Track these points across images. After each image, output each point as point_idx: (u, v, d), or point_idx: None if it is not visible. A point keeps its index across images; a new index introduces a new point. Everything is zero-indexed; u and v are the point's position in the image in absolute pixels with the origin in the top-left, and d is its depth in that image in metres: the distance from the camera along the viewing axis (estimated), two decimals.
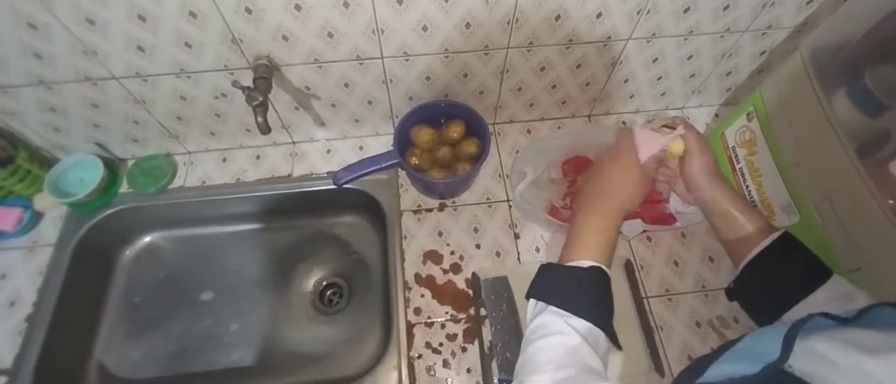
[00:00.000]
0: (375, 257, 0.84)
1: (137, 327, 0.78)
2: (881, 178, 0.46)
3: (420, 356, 0.65)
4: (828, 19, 0.57)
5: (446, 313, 0.68)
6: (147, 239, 0.84)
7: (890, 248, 0.48)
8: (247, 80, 0.62)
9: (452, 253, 0.73)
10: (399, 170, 0.77)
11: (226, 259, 0.84)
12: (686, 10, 0.65)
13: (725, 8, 0.65)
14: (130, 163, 0.80)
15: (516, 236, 0.74)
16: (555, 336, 0.42)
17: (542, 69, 0.73)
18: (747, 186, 0.67)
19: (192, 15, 0.55)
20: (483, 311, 0.66)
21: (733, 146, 0.69)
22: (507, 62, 0.70)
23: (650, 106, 0.88)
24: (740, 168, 0.68)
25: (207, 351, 0.76)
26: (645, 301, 0.69)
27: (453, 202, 0.78)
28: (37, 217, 0.75)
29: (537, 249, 0.73)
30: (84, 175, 0.74)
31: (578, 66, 0.73)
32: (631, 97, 0.84)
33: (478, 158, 0.71)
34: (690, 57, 0.75)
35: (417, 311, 0.68)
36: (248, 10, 0.56)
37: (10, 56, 0.58)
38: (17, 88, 0.63)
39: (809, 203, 0.57)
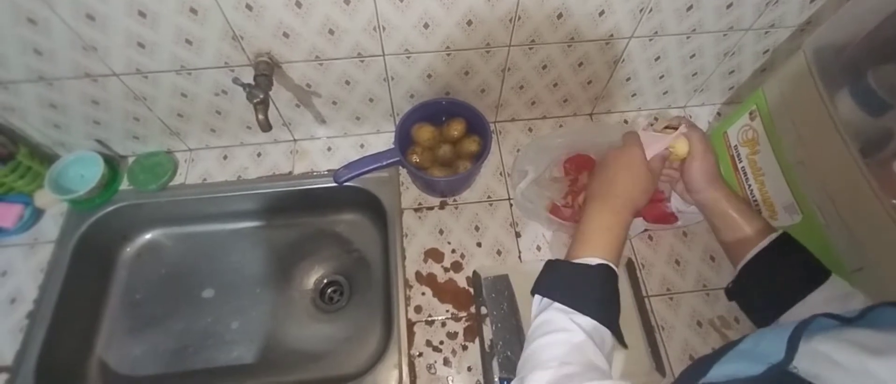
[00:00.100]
0: (376, 255, 0.84)
1: (138, 324, 0.78)
2: (884, 177, 0.46)
3: (421, 354, 0.65)
4: (831, 18, 0.56)
5: (447, 311, 0.68)
6: (148, 236, 0.84)
7: (893, 248, 0.47)
8: (248, 77, 0.62)
9: (453, 251, 0.73)
10: (400, 168, 0.77)
11: (227, 256, 0.84)
12: (689, 8, 0.64)
13: (729, 6, 0.65)
14: (131, 160, 0.80)
15: (517, 235, 0.74)
16: (559, 333, 0.42)
17: (544, 67, 0.73)
18: (750, 185, 0.67)
19: (193, 11, 0.55)
20: (484, 310, 0.66)
21: (736, 145, 0.69)
22: (509, 60, 0.70)
23: (652, 104, 0.87)
24: (743, 167, 0.68)
25: (208, 348, 0.76)
26: (646, 300, 0.69)
27: (454, 200, 0.78)
28: (37, 214, 0.75)
29: (538, 248, 0.73)
30: (85, 172, 0.74)
31: (580, 64, 0.73)
32: (633, 96, 0.84)
33: (479, 157, 0.71)
34: (693, 55, 0.74)
35: (418, 309, 0.68)
36: (248, 7, 0.55)
37: (10, 52, 0.58)
38: (17, 84, 0.62)
39: (812, 202, 0.57)
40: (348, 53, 0.64)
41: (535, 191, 0.71)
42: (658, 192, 0.68)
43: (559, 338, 0.41)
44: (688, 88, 0.84)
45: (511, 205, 0.77)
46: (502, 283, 0.68)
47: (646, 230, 0.72)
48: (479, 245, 0.73)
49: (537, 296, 0.47)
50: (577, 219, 0.65)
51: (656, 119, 0.88)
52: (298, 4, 0.56)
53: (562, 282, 0.47)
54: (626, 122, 0.88)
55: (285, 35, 0.60)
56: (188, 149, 0.82)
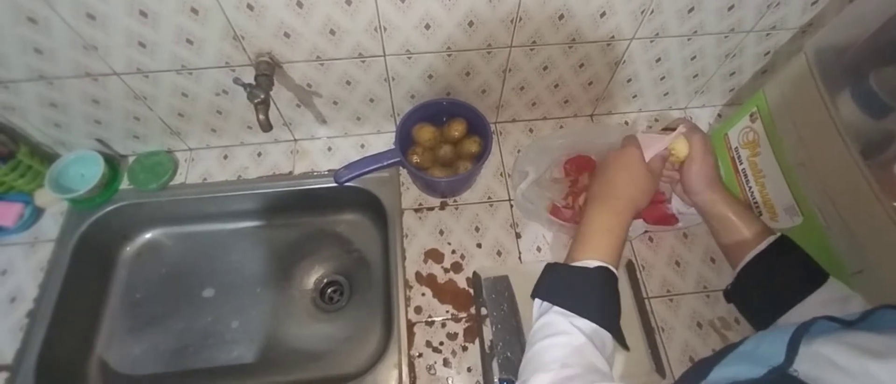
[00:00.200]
0: (376, 255, 0.84)
1: (138, 323, 0.78)
2: (885, 179, 0.46)
3: (420, 355, 0.65)
4: (833, 20, 0.56)
5: (447, 312, 0.68)
6: (148, 235, 0.84)
7: (893, 250, 0.47)
8: (248, 76, 0.62)
9: (453, 252, 0.73)
10: (400, 168, 0.77)
11: (227, 256, 0.84)
12: (690, 10, 0.64)
13: (730, 8, 0.65)
14: (131, 159, 0.79)
15: (518, 235, 0.74)
16: (560, 336, 0.42)
17: (545, 68, 0.73)
18: (750, 187, 0.67)
19: (194, 11, 0.55)
20: (484, 310, 0.66)
21: (736, 147, 0.69)
22: (510, 61, 0.70)
23: (653, 106, 0.87)
24: (743, 169, 0.68)
25: (208, 347, 0.76)
26: (646, 301, 0.69)
27: (455, 201, 0.78)
28: (38, 213, 0.75)
29: (538, 249, 0.73)
30: (85, 171, 0.74)
31: (581, 65, 0.73)
32: (634, 97, 0.84)
33: (479, 157, 0.71)
34: (694, 57, 0.74)
35: (418, 310, 0.68)
36: (249, 7, 0.55)
37: (11, 51, 0.57)
38: (17, 83, 0.62)
39: (813, 204, 0.57)
40: (349, 53, 0.64)
41: (535, 191, 0.71)
42: (659, 194, 0.68)
43: (560, 341, 0.41)
44: (689, 90, 0.83)
45: (511, 205, 0.77)
46: (502, 284, 0.68)
47: (646, 231, 0.72)
48: (479, 246, 0.73)
49: (537, 300, 0.47)
50: (577, 221, 0.65)
51: (656, 121, 0.88)
52: (299, 4, 0.56)
53: (561, 285, 0.47)
54: (626, 123, 0.88)
55: (286, 35, 0.60)
56: (188, 148, 0.82)
